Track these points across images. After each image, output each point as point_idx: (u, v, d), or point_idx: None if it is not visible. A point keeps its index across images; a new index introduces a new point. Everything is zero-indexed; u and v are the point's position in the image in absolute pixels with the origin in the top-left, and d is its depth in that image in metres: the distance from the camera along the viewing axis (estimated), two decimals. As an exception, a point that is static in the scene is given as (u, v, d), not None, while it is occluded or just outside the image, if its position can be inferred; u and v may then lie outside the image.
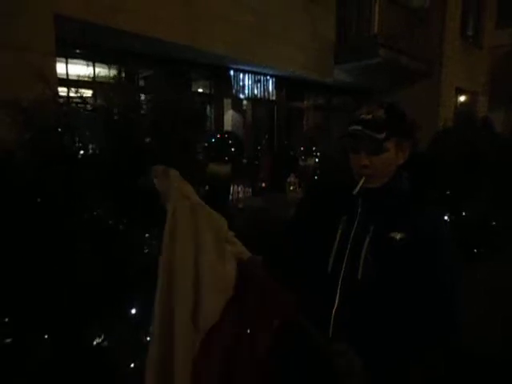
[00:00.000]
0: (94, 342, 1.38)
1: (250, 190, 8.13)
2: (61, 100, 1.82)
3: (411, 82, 9.92)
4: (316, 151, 8.60)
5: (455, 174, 3.39)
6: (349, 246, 1.24)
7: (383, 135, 1.19)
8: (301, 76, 8.36)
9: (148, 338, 1.44)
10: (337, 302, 1.22)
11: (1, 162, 1.39)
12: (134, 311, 1.44)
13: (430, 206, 1.28)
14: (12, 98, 1.51)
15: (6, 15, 3.73)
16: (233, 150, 7.22)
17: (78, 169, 1.37)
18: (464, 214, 3.30)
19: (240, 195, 7.59)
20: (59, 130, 1.41)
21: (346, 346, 1.12)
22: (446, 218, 3.15)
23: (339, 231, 1.26)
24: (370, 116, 1.21)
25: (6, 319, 1.31)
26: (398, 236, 1.18)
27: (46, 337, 1.31)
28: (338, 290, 1.22)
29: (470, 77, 11.48)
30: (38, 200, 1.35)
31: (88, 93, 5.11)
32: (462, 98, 11.84)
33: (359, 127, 1.20)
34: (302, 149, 8.78)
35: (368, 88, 10.02)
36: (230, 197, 6.95)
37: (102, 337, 1.39)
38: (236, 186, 7.36)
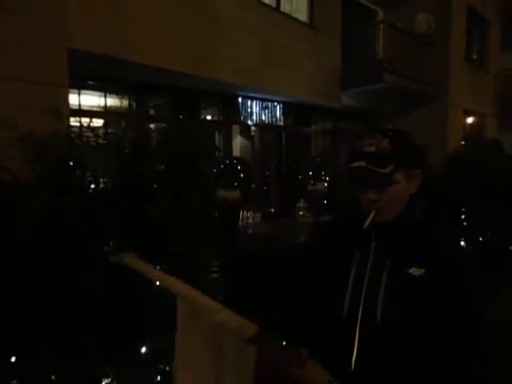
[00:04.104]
0: (103, 383, 1.33)
1: (260, 215, 8.09)
2: (73, 132, 1.83)
3: (418, 105, 9.97)
4: (325, 175, 8.59)
5: (470, 199, 3.33)
6: (364, 286, 1.15)
7: (390, 169, 1.10)
8: (308, 102, 8.45)
9: (158, 378, 1.38)
10: (356, 349, 1.13)
11: (12, 195, 1.38)
12: (144, 350, 1.39)
13: (449, 236, 1.21)
14: (25, 131, 1.52)
15: (21, 49, 3.84)
16: (241, 175, 7.25)
17: (88, 202, 1.36)
18: (480, 239, 3.22)
19: (249, 221, 7.54)
20: (70, 163, 1.41)
21: None
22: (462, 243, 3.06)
23: (353, 270, 1.18)
24: (373, 148, 1.13)
25: (13, 359, 1.27)
26: (418, 272, 1.09)
27: (53, 378, 1.26)
28: (356, 337, 1.13)
29: (477, 99, 11.51)
30: (48, 234, 1.34)
31: (99, 122, 5.22)
32: (470, 120, 11.84)
33: (363, 163, 1.11)
34: (310, 173, 8.78)
35: (375, 112, 10.08)
36: (240, 222, 6.91)
37: (111, 377, 1.33)
38: (245, 212, 7.33)
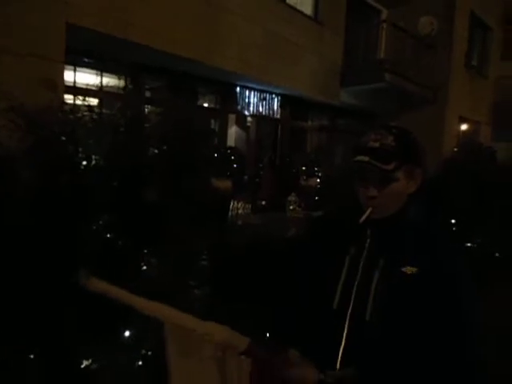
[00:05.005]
0: (83, 365, 1.30)
1: (250, 206, 8.06)
2: (67, 108, 1.77)
3: (416, 107, 9.99)
4: (318, 171, 8.59)
5: (461, 204, 3.34)
6: (356, 281, 1.14)
7: (392, 165, 1.10)
8: (306, 96, 8.41)
9: (140, 363, 1.36)
10: (343, 342, 1.12)
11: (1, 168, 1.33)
12: (126, 334, 1.36)
13: (444, 237, 1.20)
14: (17, 103, 1.47)
15: (18, 21, 3.74)
16: (234, 165, 7.20)
17: (79, 179, 1.32)
18: (469, 244, 3.24)
19: (239, 211, 7.51)
20: (62, 138, 1.36)
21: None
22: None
23: (346, 265, 1.17)
24: (377, 144, 1.12)
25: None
26: (411, 271, 1.08)
27: (32, 357, 1.23)
28: (345, 332, 1.12)
29: (473, 106, 11.57)
30: (37, 209, 1.29)
31: (94, 101, 5.14)
32: (465, 127, 11.91)
33: (366, 158, 1.11)
34: (303, 168, 8.77)
35: (373, 111, 10.08)
36: (230, 213, 6.88)
37: (91, 360, 1.30)
38: (236, 203, 7.29)
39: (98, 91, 5.22)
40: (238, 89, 7.82)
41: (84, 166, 1.37)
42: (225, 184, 5.98)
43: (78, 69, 5.42)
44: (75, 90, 5.22)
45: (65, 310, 1.24)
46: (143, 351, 1.41)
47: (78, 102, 2.18)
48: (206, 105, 7.86)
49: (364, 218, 1.15)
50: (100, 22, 4.49)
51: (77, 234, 1.28)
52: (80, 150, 1.39)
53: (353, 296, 1.14)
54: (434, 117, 9.99)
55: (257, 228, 6.20)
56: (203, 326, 1.07)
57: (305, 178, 8.59)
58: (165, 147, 1.90)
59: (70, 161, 1.35)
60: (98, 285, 1.11)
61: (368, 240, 1.18)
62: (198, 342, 1.07)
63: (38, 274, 1.21)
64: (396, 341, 1.06)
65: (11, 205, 1.23)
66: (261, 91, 8.23)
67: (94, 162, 1.40)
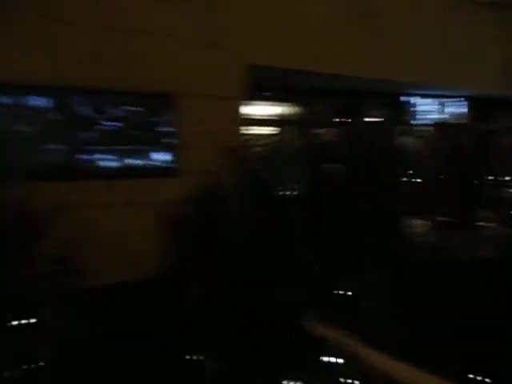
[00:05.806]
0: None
1: (430, 223, 7.39)
2: (259, 142, 1.99)
3: None
4: (513, 181, 7.33)
5: None
6: None
7: None
8: (490, 95, 7.34)
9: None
10: None
11: (222, 200, 1.59)
12: (325, 359, 1.39)
13: None
14: (226, 144, 1.72)
15: (205, 68, 4.41)
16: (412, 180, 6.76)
17: (282, 210, 1.45)
18: None
19: (418, 229, 6.98)
20: (263, 173, 1.53)
21: None
22: None
23: None
24: None
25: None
26: None
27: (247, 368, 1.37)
28: None
29: None
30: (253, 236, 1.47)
31: (276, 130, 5.64)
32: None
33: None
34: (494, 178, 7.62)
35: None
36: (410, 230, 6.48)
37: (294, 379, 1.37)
38: (416, 220, 6.83)
39: (278, 121, 5.67)
40: (409, 98, 7.43)
41: (283, 196, 1.51)
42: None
43: (258, 102, 6.02)
44: (260, 121, 5.78)
45: (276, 331, 1.35)
46: (342, 379, 1.41)
47: (265, 134, 2.42)
48: (377, 119, 7.67)
49: None
50: (271, 58, 4.91)
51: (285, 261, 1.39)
52: (279, 182, 1.54)
53: None
54: None
55: (442, 247, 5.63)
56: None
57: (497, 188, 7.45)
58: (352, 169, 1.92)
59: (273, 193, 1.51)
60: (328, 332, 1.09)
61: None
62: None
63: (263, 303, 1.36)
64: None
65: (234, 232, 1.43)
66: (435, 97, 7.61)
67: (292, 192, 1.52)
